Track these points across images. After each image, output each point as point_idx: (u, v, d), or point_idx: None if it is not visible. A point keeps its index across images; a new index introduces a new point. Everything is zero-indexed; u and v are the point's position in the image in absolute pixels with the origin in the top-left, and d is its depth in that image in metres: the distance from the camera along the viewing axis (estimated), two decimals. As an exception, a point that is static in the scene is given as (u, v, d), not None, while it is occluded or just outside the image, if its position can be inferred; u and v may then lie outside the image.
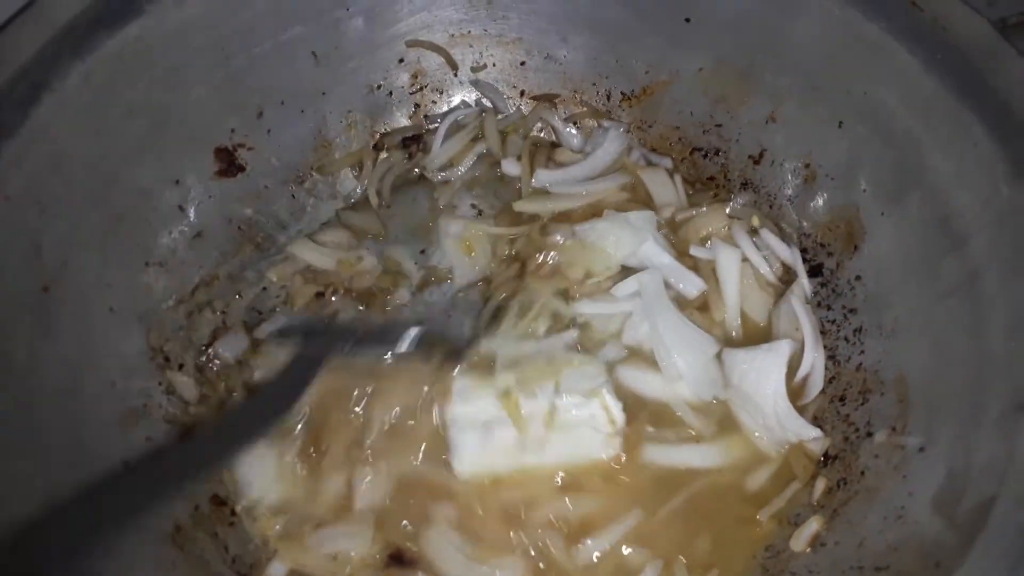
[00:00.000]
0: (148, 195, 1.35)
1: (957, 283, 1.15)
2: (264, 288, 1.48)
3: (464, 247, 1.48)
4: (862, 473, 1.19)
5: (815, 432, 1.28)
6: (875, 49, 1.25)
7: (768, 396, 1.30)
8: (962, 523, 0.93)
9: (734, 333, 1.40)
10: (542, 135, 1.67)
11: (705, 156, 1.57)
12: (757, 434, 1.30)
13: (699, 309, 1.41)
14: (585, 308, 1.38)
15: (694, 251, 1.44)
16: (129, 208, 1.32)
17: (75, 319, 1.21)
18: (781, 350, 1.31)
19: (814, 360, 1.33)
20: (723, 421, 1.32)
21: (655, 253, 1.42)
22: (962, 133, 1.15)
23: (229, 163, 1.47)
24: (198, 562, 1.17)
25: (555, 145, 1.63)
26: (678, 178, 1.53)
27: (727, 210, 1.47)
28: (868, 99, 1.29)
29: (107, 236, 1.28)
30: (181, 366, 1.37)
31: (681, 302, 1.40)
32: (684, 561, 1.21)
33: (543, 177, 1.56)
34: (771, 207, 1.49)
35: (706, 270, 1.43)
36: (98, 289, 1.27)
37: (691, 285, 1.41)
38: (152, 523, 1.18)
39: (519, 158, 1.57)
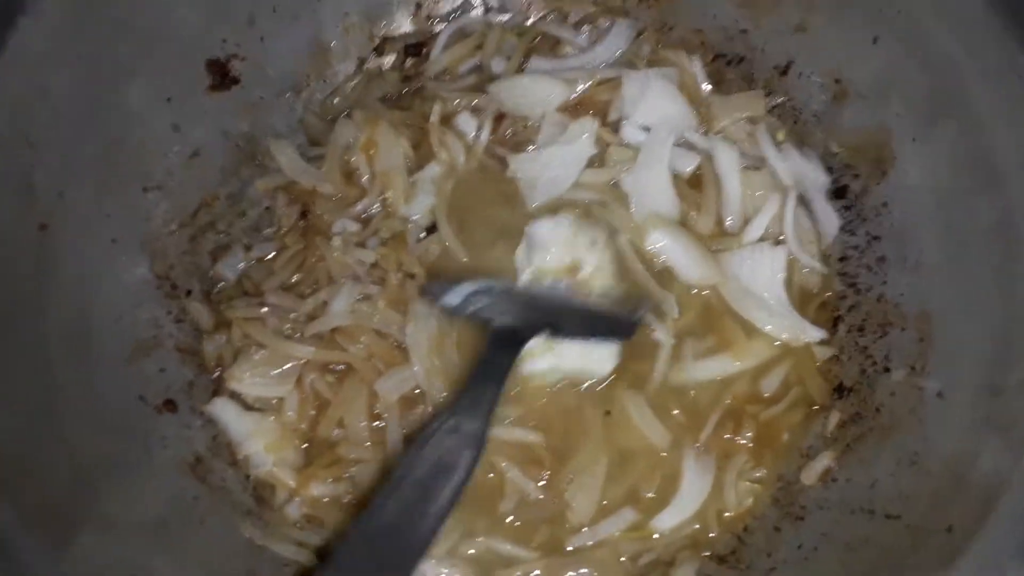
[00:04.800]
0: (140, 117, 1.28)
1: (989, 223, 1.11)
2: (267, 208, 1.43)
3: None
4: (877, 410, 1.19)
5: (817, 332, 1.30)
6: (918, -37, 1.15)
7: (764, 289, 1.31)
8: (977, 489, 0.94)
9: (730, 220, 1.37)
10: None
11: (728, 64, 1.48)
12: (768, 327, 1.30)
13: (691, 185, 1.39)
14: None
15: (690, 136, 1.39)
16: (122, 133, 1.25)
17: (77, 255, 1.18)
18: (778, 252, 1.32)
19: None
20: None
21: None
22: (1007, 64, 1.08)
23: (222, 76, 1.38)
24: (220, 492, 1.20)
25: (559, 42, 1.55)
26: (697, 61, 1.45)
27: (762, 103, 1.41)
28: (906, 16, 1.20)
29: (102, 164, 1.22)
30: (189, 292, 1.34)
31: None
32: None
33: (536, 64, 1.48)
34: (796, 122, 1.42)
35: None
36: (97, 220, 1.22)
37: (686, 162, 1.38)
38: (173, 455, 1.20)
39: (509, 57, 1.49)
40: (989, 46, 1.10)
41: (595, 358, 1.28)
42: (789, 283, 1.33)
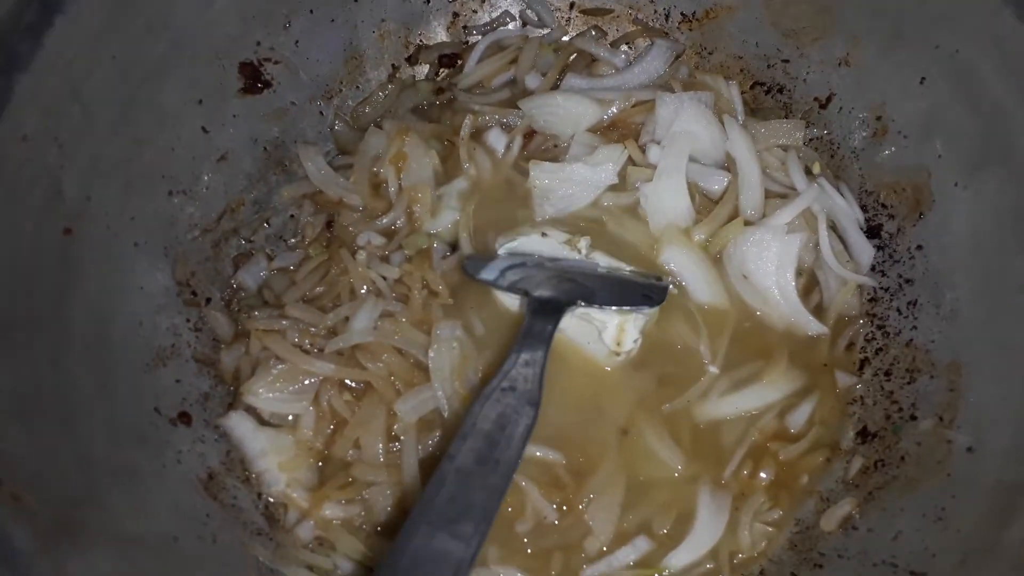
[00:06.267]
0: (170, 119, 1.26)
1: (1030, 280, 1.09)
2: (292, 216, 1.41)
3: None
4: (902, 458, 1.17)
5: (818, 327, 1.30)
6: (975, 7, 1.12)
7: (770, 276, 1.30)
8: (1009, 558, 0.92)
9: (751, 211, 1.35)
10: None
11: (767, 92, 1.46)
12: (759, 313, 1.32)
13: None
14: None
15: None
16: (151, 134, 1.23)
17: (99, 259, 1.16)
18: (790, 241, 1.30)
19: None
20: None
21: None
22: (1061, 120, 1.06)
23: (254, 79, 1.37)
24: (231, 510, 1.18)
25: (595, 60, 1.52)
26: (734, 86, 1.43)
27: (801, 133, 1.39)
28: (958, 59, 1.17)
29: (129, 166, 1.20)
30: (208, 300, 1.32)
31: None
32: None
33: (572, 82, 1.46)
34: (832, 156, 1.40)
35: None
36: (121, 223, 1.20)
37: (715, 181, 1.36)
38: (186, 470, 1.18)
39: (544, 74, 1.47)
40: (1043, 99, 1.08)
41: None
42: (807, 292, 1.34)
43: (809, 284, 1.36)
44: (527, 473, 1.21)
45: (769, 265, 1.31)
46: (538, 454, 1.22)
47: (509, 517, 1.21)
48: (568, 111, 1.41)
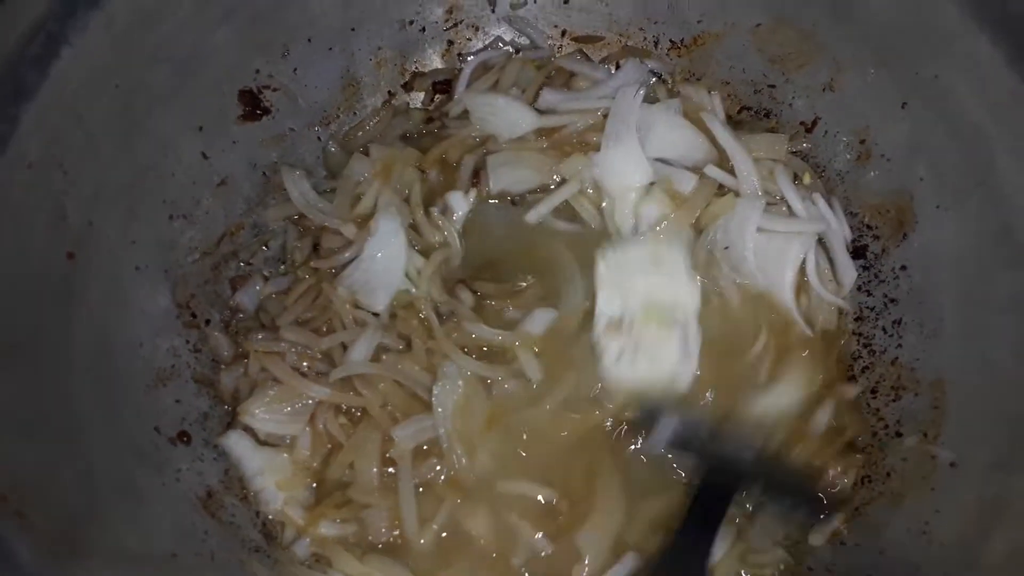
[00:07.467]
0: (171, 145, 1.29)
1: (1013, 300, 1.11)
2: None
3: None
4: (888, 474, 1.19)
5: (804, 327, 1.31)
6: (953, 33, 1.15)
7: (781, 283, 1.32)
8: (992, 569, 0.94)
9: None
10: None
11: (754, 116, 1.49)
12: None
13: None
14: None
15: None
16: (152, 160, 1.27)
17: (101, 282, 1.18)
18: (790, 245, 1.31)
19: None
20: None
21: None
22: (1038, 142, 1.09)
23: (254, 106, 1.40)
24: (229, 528, 1.20)
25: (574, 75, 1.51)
26: (716, 96, 1.43)
27: (786, 146, 1.38)
28: (938, 84, 1.20)
29: (131, 192, 1.23)
30: (208, 321, 1.35)
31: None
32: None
33: (547, 98, 1.45)
34: (819, 178, 1.43)
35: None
36: (123, 247, 1.23)
37: (685, 182, 1.36)
38: (185, 488, 1.21)
39: (524, 90, 1.47)
40: (1020, 120, 1.10)
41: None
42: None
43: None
44: (517, 511, 1.22)
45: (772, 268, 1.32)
46: (530, 491, 1.23)
47: (505, 553, 1.22)
48: (506, 114, 1.42)
